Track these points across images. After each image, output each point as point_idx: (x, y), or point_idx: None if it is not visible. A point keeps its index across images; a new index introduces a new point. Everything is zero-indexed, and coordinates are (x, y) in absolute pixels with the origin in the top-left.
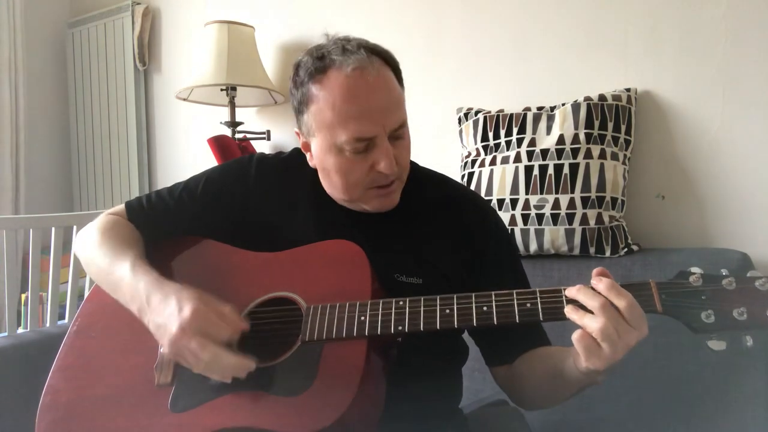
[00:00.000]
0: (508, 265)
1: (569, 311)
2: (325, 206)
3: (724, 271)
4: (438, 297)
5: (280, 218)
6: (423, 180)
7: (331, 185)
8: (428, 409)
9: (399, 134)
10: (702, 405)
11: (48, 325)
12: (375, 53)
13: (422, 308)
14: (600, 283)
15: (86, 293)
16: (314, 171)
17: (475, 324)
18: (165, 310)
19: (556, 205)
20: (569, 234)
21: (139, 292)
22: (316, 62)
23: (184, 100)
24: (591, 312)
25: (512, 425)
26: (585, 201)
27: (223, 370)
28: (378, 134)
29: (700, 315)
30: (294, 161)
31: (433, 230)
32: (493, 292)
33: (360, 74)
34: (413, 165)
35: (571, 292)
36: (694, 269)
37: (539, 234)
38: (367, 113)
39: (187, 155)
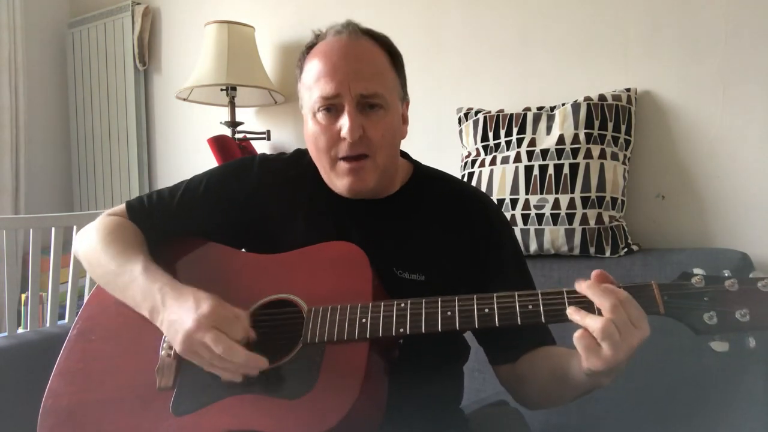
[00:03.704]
0: (512, 263)
1: (571, 312)
2: (325, 201)
3: (726, 272)
4: (440, 299)
5: (281, 217)
6: (426, 177)
7: (313, 158)
8: (429, 410)
9: (373, 104)
10: (703, 406)
11: (48, 325)
12: (366, 33)
13: (424, 310)
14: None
15: (86, 293)
16: (315, 167)
17: (476, 326)
18: (181, 308)
19: (556, 205)
20: (569, 234)
21: (154, 292)
22: (311, 41)
23: (184, 100)
24: (593, 313)
25: (512, 426)
26: (585, 201)
27: (236, 365)
28: (342, 94)
29: (702, 317)
30: (296, 161)
31: (436, 226)
32: (494, 294)
33: (337, 39)
34: (417, 163)
35: (581, 287)
36: (696, 270)
37: (539, 234)
38: (334, 71)
39: (187, 155)
